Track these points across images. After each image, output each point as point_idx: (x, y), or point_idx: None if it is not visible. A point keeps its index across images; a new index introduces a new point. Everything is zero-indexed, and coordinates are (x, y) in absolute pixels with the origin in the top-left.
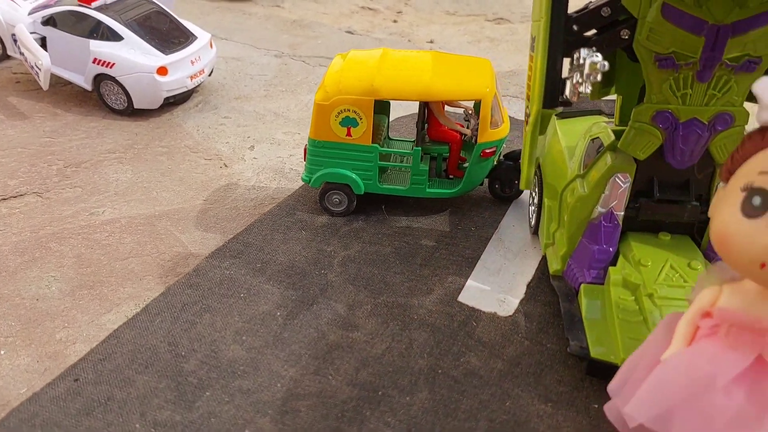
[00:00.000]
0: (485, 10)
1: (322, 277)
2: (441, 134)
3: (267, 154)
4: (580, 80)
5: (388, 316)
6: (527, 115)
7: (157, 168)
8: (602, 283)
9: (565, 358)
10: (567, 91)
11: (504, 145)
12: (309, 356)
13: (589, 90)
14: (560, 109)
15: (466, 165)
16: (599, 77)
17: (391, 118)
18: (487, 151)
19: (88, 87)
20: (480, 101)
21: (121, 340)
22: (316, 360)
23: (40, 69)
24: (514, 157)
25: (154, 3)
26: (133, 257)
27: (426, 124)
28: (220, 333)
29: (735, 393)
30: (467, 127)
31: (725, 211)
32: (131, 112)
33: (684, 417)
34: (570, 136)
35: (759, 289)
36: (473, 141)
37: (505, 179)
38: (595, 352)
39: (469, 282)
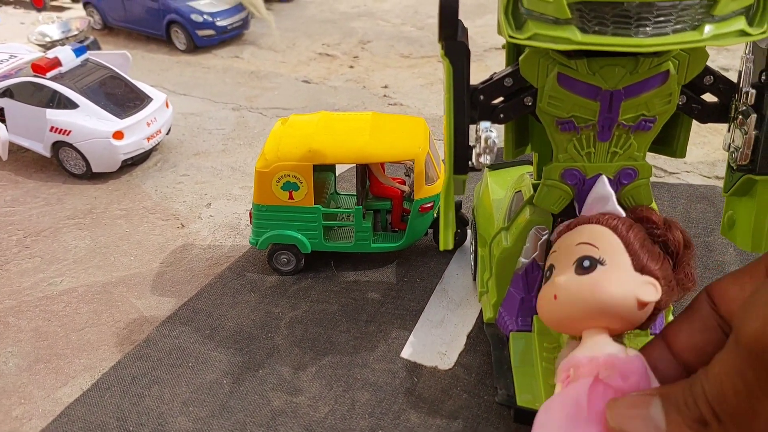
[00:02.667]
0: (438, 51)
1: (269, 340)
2: (382, 191)
3: (223, 211)
4: (480, 151)
5: (332, 378)
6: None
7: (115, 232)
8: (530, 330)
9: (500, 409)
10: (473, 159)
11: None
12: (253, 424)
13: (488, 161)
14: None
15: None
16: (495, 151)
17: (339, 171)
18: (425, 206)
19: (47, 154)
20: (414, 161)
21: (71, 417)
22: (260, 428)
23: None
24: (456, 206)
25: (108, 68)
26: (89, 327)
27: (368, 182)
28: (167, 405)
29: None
30: (409, 182)
31: None
32: (90, 175)
33: None
34: (499, 188)
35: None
36: (411, 197)
37: None
38: (522, 399)
39: (412, 336)
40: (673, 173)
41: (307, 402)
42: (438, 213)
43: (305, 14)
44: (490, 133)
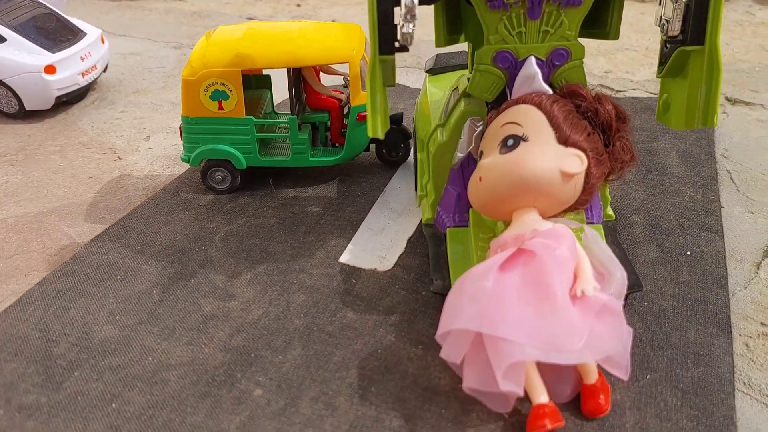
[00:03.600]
0: None
1: (202, 252)
2: (319, 102)
3: (162, 144)
4: (401, 22)
5: (267, 283)
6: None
7: (48, 167)
8: (467, 226)
9: (437, 301)
10: (399, 36)
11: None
12: (183, 328)
13: (411, 29)
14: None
15: None
16: (415, 13)
17: (277, 102)
18: (363, 114)
19: None
20: (348, 63)
21: None
22: (189, 331)
23: None
24: (397, 119)
25: (40, 3)
26: (19, 254)
27: (304, 94)
28: (93, 315)
29: (508, 277)
30: (347, 92)
31: None
32: (24, 114)
33: (465, 307)
34: (437, 91)
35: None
36: (350, 106)
37: (390, 143)
38: None
39: (351, 244)
40: (621, 91)
41: (240, 306)
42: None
43: None
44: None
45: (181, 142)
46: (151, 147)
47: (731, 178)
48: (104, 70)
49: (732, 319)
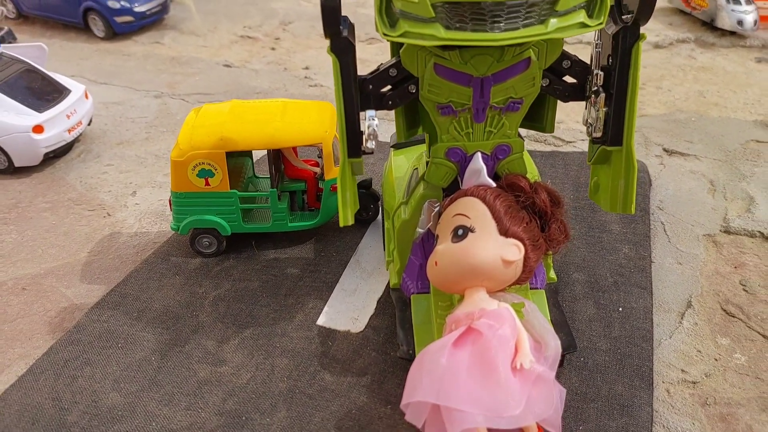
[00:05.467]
0: (359, 31)
1: (193, 318)
2: (296, 173)
3: (149, 199)
4: (366, 137)
5: (254, 348)
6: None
7: (41, 225)
8: (428, 292)
9: (404, 363)
10: (364, 143)
11: None
12: (181, 394)
13: (373, 146)
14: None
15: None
16: (377, 137)
17: (257, 156)
18: (335, 185)
19: None
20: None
21: (8, 401)
22: (187, 397)
23: None
24: (366, 184)
25: (23, 62)
26: (21, 318)
27: (282, 165)
28: (99, 383)
29: (459, 354)
30: (322, 163)
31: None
32: (13, 170)
33: (424, 380)
34: (401, 166)
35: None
36: (324, 177)
37: (360, 206)
38: (420, 352)
39: (327, 306)
40: (570, 142)
41: (231, 371)
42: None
43: None
44: (372, 122)
45: (167, 201)
46: (138, 203)
47: (664, 230)
48: (89, 123)
49: (656, 366)
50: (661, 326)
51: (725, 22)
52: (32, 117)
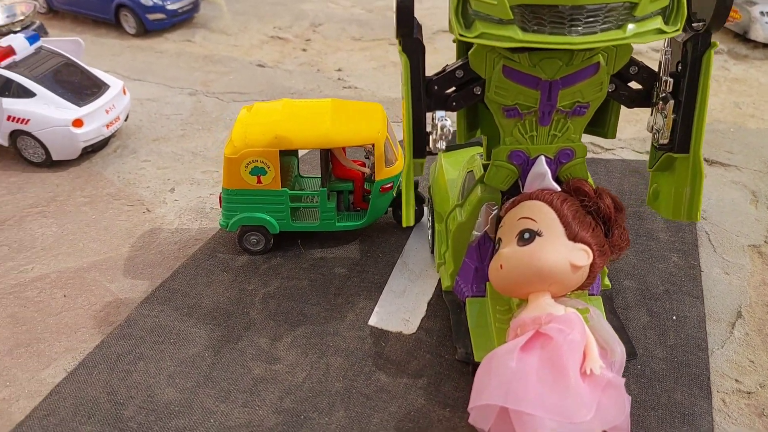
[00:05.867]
0: (389, 34)
1: (244, 315)
2: (344, 173)
3: (187, 195)
4: (436, 138)
5: (307, 346)
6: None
7: (81, 219)
8: (484, 296)
9: (460, 366)
10: (430, 144)
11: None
12: (237, 391)
13: (443, 147)
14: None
15: (370, 196)
16: (450, 137)
17: (300, 154)
18: (386, 186)
19: (5, 143)
20: (374, 144)
21: (62, 395)
22: (243, 394)
23: None
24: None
25: (63, 55)
26: (66, 311)
27: (330, 165)
28: (154, 378)
29: (528, 358)
30: (369, 163)
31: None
32: (50, 164)
33: (492, 383)
34: (452, 168)
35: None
36: (373, 178)
37: None
38: (479, 356)
39: (378, 306)
40: (609, 149)
41: (285, 369)
42: (398, 192)
43: None
44: (445, 122)
45: (214, 198)
46: (177, 199)
47: (709, 239)
48: (125, 119)
49: (711, 377)
50: (712, 336)
51: (759, 34)
52: (72, 111)
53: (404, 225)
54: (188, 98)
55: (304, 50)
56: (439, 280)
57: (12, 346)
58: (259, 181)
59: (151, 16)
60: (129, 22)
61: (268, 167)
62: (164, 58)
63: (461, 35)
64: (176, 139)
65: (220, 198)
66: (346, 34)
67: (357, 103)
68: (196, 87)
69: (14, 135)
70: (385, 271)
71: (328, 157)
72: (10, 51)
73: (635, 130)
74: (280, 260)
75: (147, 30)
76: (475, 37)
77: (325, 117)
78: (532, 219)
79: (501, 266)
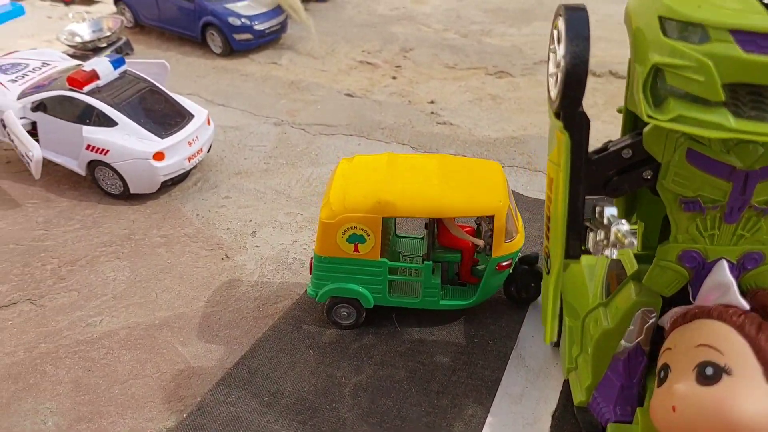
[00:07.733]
0: (485, 63)
1: (333, 412)
2: (452, 242)
3: (269, 242)
4: (605, 242)
5: None
6: (547, 259)
7: (156, 263)
8: (631, 422)
9: None
10: (590, 244)
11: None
12: None
13: (614, 255)
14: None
15: (479, 267)
16: (623, 245)
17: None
18: (503, 264)
19: (82, 172)
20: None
21: None
22: None
23: (30, 159)
24: (530, 261)
25: (147, 81)
26: (133, 379)
27: (436, 231)
28: None
29: None
30: (478, 231)
31: None
32: (127, 196)
33: None
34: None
35: None
36: (486, 251)
37: (521, 284)
38: None
39: (491, 416)
40: None
41: None
42: (515, 269)
43: (343, 16)
44: (622, 227)
45: (297, 246)
46: (258, 245)
47: None
48: (208, 150)
49: None
50: None
51: None
52: (154, 143)
53: (547, 342)
54: (273, 128)
55: (394, 78)
56: (564, 385)
57: (73, 420)
58: (356, 250)
59: (238, 37)
60: (215, 42)
61: (368, 235)
62: (250, 81)
63: (650, 116)
64: (259, 173)
65: (310, 264)
66: (439, 61)
67: (470, 161)
68: (281, 116)
69: (92, 165)
70: (497, 365)
71: (435, 224)
72: (93, 76)
73: None
74: (372, 339)
75: (233, 50)
76: (670, 120)
77: (435, 180)
78: (716, 349)
79: (674, 408)
